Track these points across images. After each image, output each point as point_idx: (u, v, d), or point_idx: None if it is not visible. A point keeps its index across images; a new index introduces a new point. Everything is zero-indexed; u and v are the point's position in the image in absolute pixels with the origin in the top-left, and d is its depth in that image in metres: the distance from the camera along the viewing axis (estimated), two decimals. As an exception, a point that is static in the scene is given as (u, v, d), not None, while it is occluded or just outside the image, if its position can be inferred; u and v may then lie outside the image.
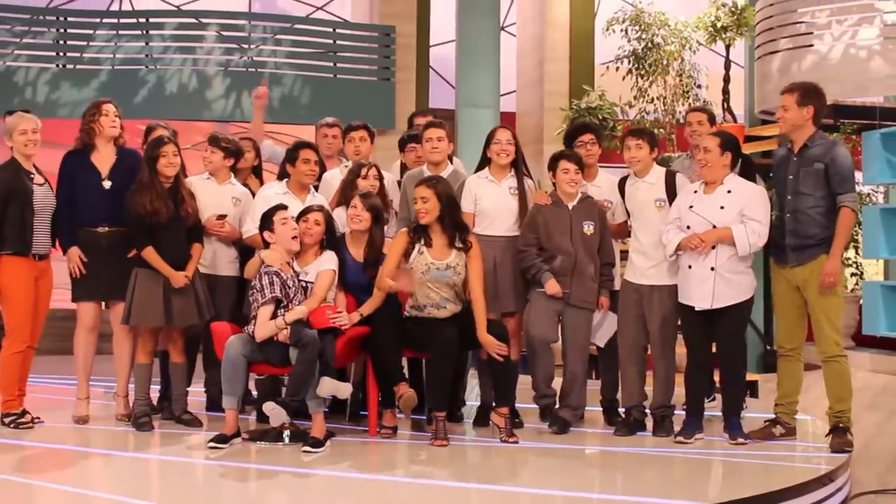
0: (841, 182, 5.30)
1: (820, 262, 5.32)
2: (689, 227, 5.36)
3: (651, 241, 5.55)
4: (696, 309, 5.36)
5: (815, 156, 5.36)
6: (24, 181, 5.56)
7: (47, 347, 6.13)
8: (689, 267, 5.36)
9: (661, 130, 10.38)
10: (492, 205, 5.74)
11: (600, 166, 6.13)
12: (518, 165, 5.81)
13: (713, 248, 5.30)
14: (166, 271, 5.54)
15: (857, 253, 11.25)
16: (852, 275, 11.83)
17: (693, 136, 6.18)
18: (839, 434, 5.30)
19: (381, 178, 5.92)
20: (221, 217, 5.85)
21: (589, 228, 5.62)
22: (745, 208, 5.30)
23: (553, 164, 5.69)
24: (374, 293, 5.45)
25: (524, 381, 5.89)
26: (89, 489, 4.47)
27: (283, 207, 5.45)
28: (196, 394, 6.08)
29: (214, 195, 5.92)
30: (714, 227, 5.31)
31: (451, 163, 6.03)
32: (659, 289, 5.54)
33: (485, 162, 5.86)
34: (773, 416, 5.61)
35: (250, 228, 5.80)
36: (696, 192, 5.44)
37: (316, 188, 6.15)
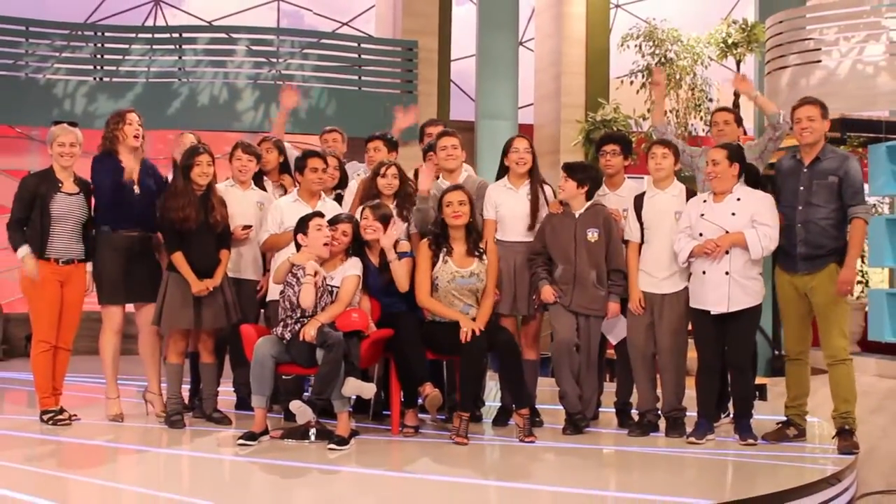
0: (853, 195, 5.41)
1: (829, 270, 5.43)
2: (701, 235, 5.47)
3: (669, 252, 5.62)
4: (712, 313, 5.46)
5: (828, 169, 5.45)
6: (46, 187, 5.72)
7: (81, 348, 6.26)
8: (703, 272, 5.47)
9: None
10: (510, 212, 5.89)
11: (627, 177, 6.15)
12: (533, 173, 5.94)
13: (727, 253, 5.41)
14: (190, 278, 5.67)
15: (863, 262, 11.36)
16: (858, 283, 11.95)
17: (720, 135, 6.06)
18: (845, 436, 5.41)
19: (401, 176, 5.99)
20: (247, 227, 6.01)
21: (593, 235, 5.69)
22: (755, 214, 5.41)
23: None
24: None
25: (545, 382, 5.96)
26: (124, 483, 4.63)
27: (320, 215, 5.59)
28: (225, 393, 6.23)
29: (240, 202, 6.06)
30: (727, 232, 5.41)
31: (462, 169, 6.18)
32: (670, 297, 5.65)
33: (503, 171, 6.00)
34: (785, 418, 5.72)
35: (262, 236, 5.97)
36: (705, 201, 5.55)
37: (341, 197, 6.33)
